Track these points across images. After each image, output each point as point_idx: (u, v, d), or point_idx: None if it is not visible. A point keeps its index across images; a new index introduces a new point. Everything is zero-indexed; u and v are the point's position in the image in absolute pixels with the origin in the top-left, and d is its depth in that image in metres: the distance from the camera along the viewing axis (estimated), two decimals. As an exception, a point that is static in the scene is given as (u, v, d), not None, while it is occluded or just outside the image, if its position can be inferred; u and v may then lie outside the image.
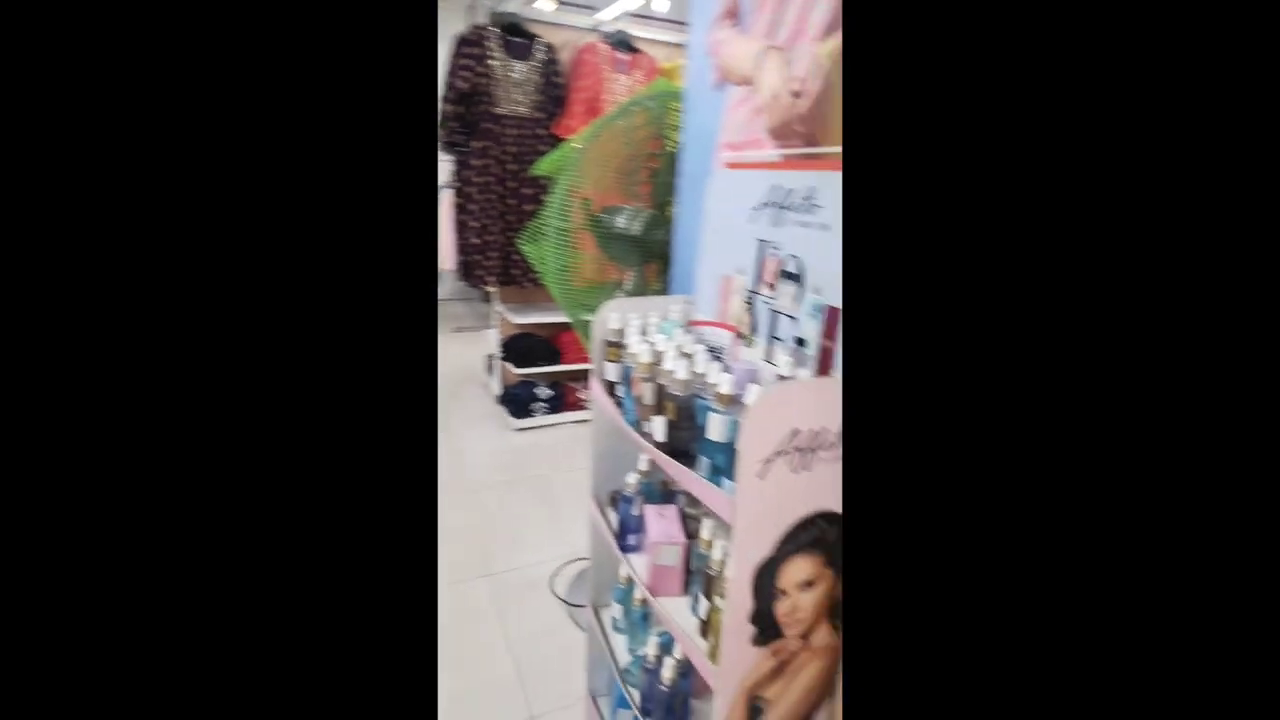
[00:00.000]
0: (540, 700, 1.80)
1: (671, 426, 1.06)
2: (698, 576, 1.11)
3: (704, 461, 0.98)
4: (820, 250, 1.05)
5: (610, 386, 1.32)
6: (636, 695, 1.31)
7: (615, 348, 1.30)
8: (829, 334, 1.04)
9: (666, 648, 1.25)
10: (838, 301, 1.02)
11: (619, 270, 1.87)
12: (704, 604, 1.07)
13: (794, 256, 1.10)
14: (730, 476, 0.95)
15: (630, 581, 1.44)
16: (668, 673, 1.19)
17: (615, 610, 1.48)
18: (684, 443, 1.04)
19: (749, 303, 1.24)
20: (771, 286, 1.17)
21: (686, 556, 1.17)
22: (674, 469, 1.02)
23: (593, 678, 1.64)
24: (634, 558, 1.30)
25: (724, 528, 1.16)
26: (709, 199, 1.35)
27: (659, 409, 1.08)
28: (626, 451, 1.51)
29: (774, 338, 1.17)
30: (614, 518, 1.42)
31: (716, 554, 1.05)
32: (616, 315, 1.32)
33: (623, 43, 3.40)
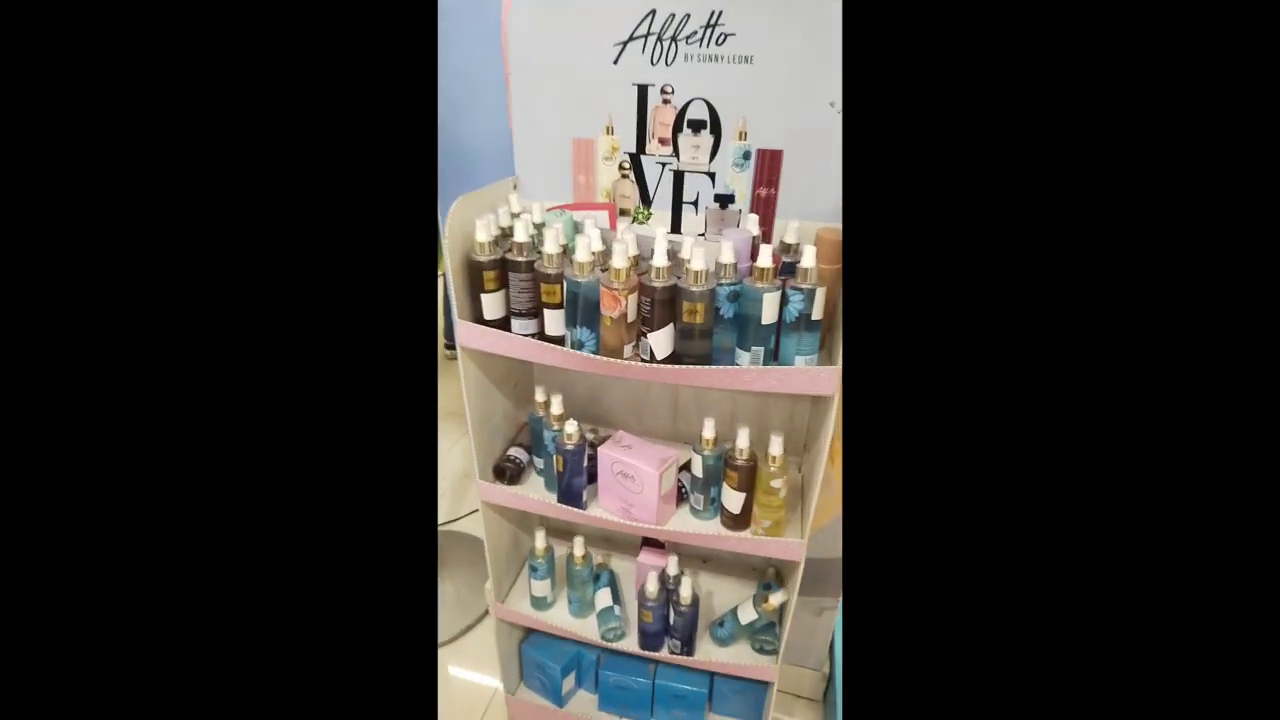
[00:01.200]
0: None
1: (684, 334, 0.85)
2: (703, 481, 1.01)
3: (757, 351, 0.85)
4: (738, 87, 0.93)
5: (504, 323, 0.93)
6: (632, 641, 1.17)
7: (492, 271, 0.90)
8: (766, 180, 0.98)
9: (664, 579, 1.13)
10: (775, 143, 0.95)
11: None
12: (736, 496, 0.99)
13: (701, 100, 0.95)
14: (781, 359, 0.86)
15: (549, 551, 1.19)
16: (686, 591, 1.09)
17: (538, 587, 1.21)
18: (698, 349, 0.86)
19: (629, 168, 1.02)
20: (665, 142, 0.99)
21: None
22: (716, 376, 0.85)
23: (507, 675, 1.34)
24: (592, 507, 1.06)
25: (745, 417, 1.07)
26: (512, 35, 0.97)
27: (666, 317, 0.84)
28: (505, 412, 1.14)
29: (685, 203, 1.02)
30: (535, 482, 1.10)
31: (742, 442, 0.97)
32: (482, 224, 0.89)
33: None
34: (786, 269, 0.86)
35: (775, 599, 1.09)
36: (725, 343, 0.87)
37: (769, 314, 0.83)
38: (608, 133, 1.00)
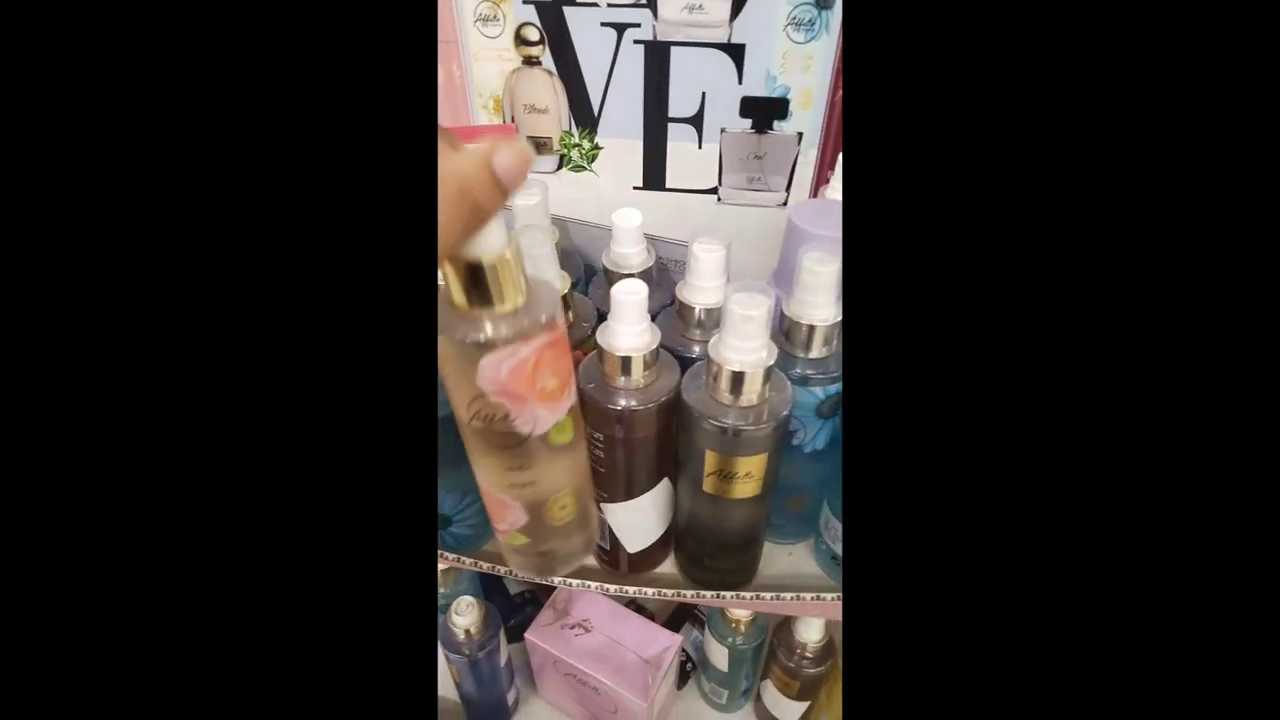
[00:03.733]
0: None
1: (707, 508, 0.33)
2: (726, 674, 0.54)
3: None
4: None
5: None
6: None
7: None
8: (869, 62, 0.41)
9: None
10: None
11: None
12: (793, 708, 0.53)
13: None
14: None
15: None
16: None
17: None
18: (744, 526, 0.35)
19: (539, 41, 0.43)
20: (621, -32, 0.40)
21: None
22: (809, 608, 0.34)
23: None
24: (528, 708, 0.59)
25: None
26: None
27: (655, 466, 0.32)
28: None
29: (674, 119, 0.45)
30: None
31: (811, 633, 0.48)
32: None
33: None
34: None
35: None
36: (801, 498, 0.36)
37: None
38: (477, -53, 0.41)
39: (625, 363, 0.29)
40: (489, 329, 0.22)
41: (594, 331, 0.34)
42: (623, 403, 0.29)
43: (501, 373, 0.23)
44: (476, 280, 0.21)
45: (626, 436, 0.30)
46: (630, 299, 0.27)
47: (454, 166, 0.18)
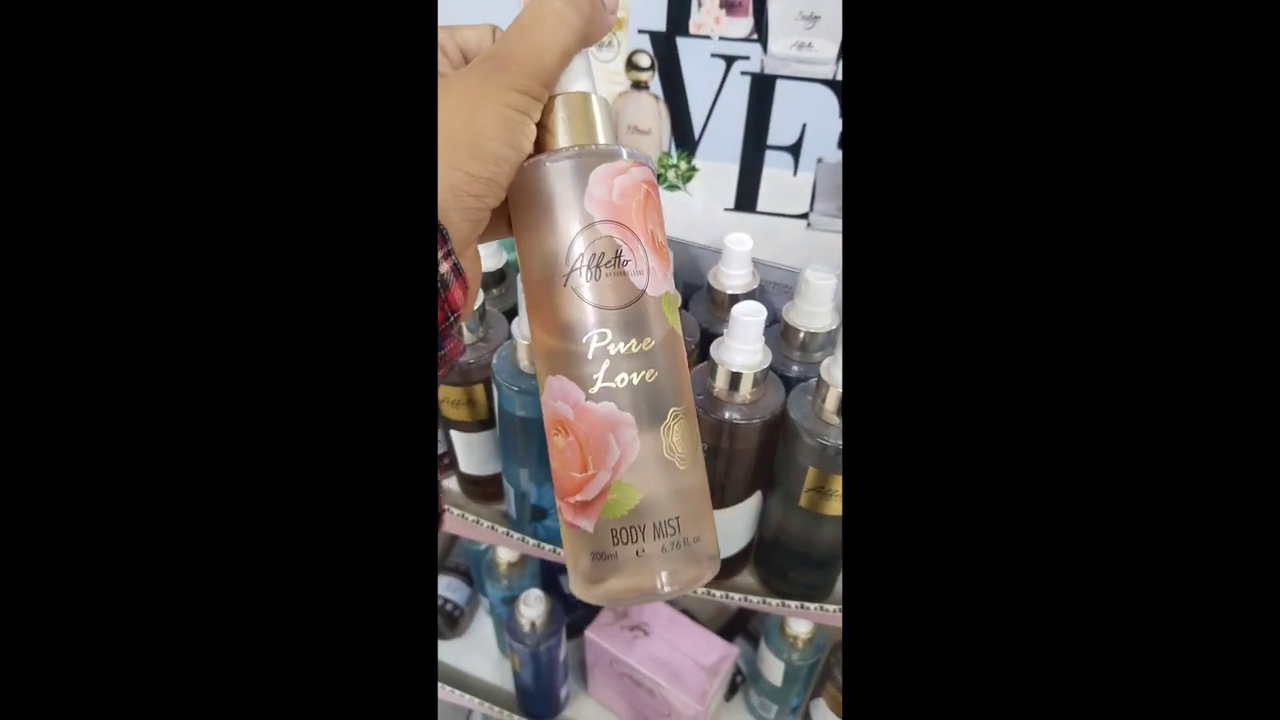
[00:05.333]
0: None
1: (796, 531, 0.35)
2: (779, 690, 0.55)
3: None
4: None
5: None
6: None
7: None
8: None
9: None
10: None
11: None
12: None
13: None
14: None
15: None
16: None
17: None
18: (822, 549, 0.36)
19: (649, 67, 0.46)
20: (737, 7, 0.42)
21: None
22: None
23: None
24: (577, 702, 0.61)
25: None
26: None
27: (751, 474, 0.33)
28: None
29: (772, 147, 0.47)
30: (481, 634, 0.64)
31: None
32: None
33: None
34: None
35: None
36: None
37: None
38: (602, -21, 0.44)
39: (736, 379, 0.31)
40: (601, 140, 0.21)
41: (697, 347, 0.36)
42: (729, 416, 0.31)
43: (614, 191, 0.20)
44: (580, 111, 0.21)
45: (729, 449, 0.32)
46: (751, 320, 0.29)
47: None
